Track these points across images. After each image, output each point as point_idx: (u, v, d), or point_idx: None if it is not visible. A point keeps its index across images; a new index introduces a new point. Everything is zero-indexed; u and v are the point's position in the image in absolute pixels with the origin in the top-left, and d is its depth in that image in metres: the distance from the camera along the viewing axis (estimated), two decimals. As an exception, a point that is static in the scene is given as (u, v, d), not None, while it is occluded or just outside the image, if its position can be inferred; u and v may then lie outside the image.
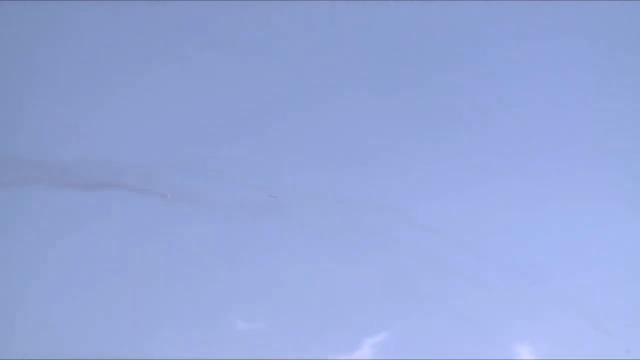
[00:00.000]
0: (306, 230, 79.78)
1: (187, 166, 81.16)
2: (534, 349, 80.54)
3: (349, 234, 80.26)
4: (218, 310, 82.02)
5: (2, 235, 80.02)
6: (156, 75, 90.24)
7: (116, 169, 78.19)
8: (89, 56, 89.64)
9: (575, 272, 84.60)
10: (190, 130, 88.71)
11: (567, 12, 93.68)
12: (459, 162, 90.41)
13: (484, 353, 79.04)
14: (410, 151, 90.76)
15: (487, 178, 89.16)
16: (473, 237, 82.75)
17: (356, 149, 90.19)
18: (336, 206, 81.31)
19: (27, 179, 75.57)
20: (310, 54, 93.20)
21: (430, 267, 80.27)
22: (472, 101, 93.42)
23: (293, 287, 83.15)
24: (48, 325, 78.49)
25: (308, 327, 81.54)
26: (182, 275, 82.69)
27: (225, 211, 79.95)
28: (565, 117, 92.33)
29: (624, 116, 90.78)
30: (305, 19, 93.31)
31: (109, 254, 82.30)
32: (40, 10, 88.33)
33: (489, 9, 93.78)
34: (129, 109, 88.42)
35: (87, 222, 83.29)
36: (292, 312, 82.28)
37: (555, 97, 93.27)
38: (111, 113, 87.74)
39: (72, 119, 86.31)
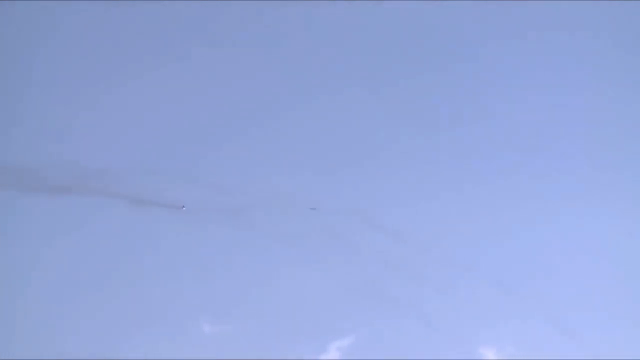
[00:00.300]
0: (274, 235, 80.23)
1: (157, 170, 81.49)
2: (499, 351, 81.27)
3: (316, 238, 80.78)
4: (185, 313, 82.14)
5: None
6: (133, 79, 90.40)
7: (86, 172, 78.38)
8: (62, 57, 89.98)
9: (542, 276, 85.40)
10: (163, 135, 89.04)
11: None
12: (427, 168, 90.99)
13: (450, 355, 79.74)
14: (379, 157, 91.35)
15: (454, 185, 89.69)
16: (439, 242, 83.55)
17: (324, 154, 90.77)
18: (304, 211, 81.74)
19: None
20: (286, 61, 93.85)
21: (397, 271, 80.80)
22: (447, 106, 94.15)
23: (260, 291, 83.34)
24: (17, 326, 78.68)
25: (275, 331, 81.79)
26: (149, 279, 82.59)
27: (193, 216, 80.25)
28: (538, 122, 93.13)
29: (609, 121, 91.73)
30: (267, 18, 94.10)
31: (79, 258, 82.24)
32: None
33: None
34: (102, 112, 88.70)
35: (55, 227, 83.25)
36: (259, 316, 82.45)
37: (531, 107, 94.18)
38: (84, 116, 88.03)
39: (42, 121, 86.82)
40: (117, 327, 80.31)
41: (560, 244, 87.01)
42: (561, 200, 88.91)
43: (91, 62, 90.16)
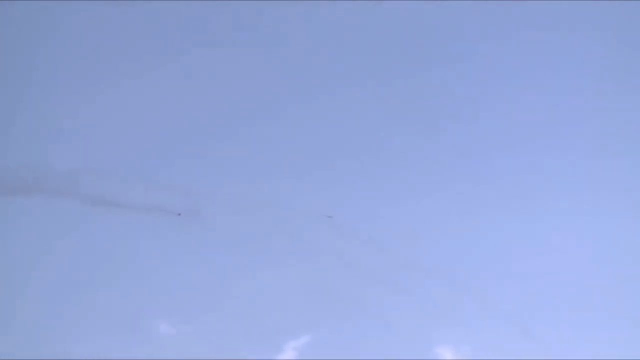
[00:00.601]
0: (230, 236, 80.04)
1: (112, 171, 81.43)
2: (455, 351, 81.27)
3: (273, 239, 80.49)
4: (141, 314, 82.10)
5: None
6: (88, 80, 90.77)
7: (35, 173, 78.26)
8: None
9: (500, 277, 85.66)
10: (117, 135, 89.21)
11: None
12: (387, 171, 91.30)
13: (406, 355, 79.53)
14: (338, 159, 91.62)
15: (413, 187, 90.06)
16: (397, 244, 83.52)
17: (283, 155, 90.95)
18: (261, 212, 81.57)
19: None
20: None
21: (354, 272, 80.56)
22: (414, 109, 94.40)
23: (216, 291, 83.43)
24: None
25: (232, 330, 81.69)
26: (106, 280, 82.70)
27: (149, 217, 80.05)
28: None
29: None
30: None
31: (29, 258, 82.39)
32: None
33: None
34: (55, 113, 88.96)
35: (4, 227, 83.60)
36: (216, 316, 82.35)
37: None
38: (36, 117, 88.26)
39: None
40: (73, 328, 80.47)
41: (518, 245, 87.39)
42: (519, 203, 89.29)
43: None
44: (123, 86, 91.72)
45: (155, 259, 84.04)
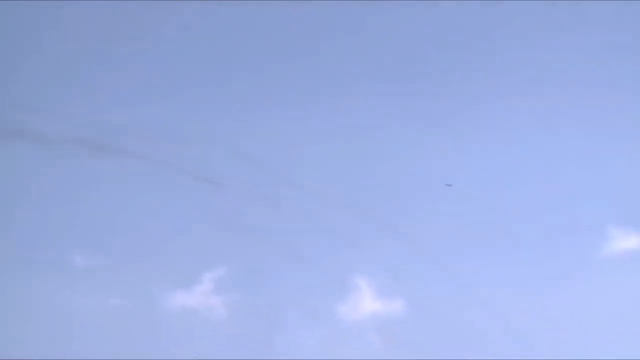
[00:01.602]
0: (144, 170, 79.09)
1: (22, 102, 79.83)
2: (370, 280, 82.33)
3: (185, 170, 79.95)
4: (56, 247, 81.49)
5: None
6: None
7: None
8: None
9: (412, 208, 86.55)
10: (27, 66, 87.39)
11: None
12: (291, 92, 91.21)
13: (320, 284, 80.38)
14: (243, 85, 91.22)
15: (327, 117, 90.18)
16: (310, 175, 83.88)
17: (185, 80, 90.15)
18: (174, 145, 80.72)
19: None
20: None
21: (269, 205, 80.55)
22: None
23: (130, 223, 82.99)
24: None
25: (147, 263, 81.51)
26: (18, 212, 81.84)
27: (61, 148, 78.74)
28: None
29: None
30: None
31: None
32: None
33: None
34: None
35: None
36: (130, 248, 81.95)
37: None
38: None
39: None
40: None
41: (441, 183, 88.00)
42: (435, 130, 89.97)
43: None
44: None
45: (68, 192, 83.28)
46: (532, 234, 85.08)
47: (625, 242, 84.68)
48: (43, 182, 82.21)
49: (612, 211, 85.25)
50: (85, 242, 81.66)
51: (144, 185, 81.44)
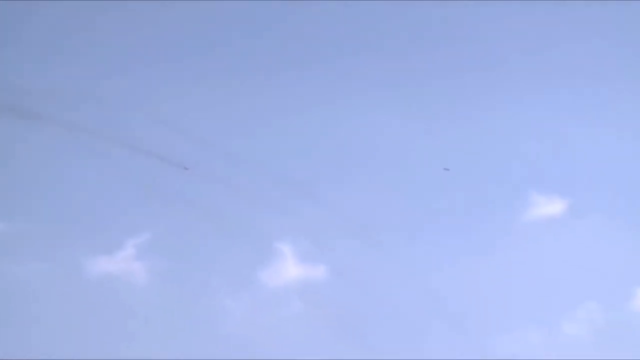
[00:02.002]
0: (59, 131, 77.92)
1: None
2: (294, 246, 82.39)
3: (106, 135, 78.88)
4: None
5: None
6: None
7: None
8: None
9: (335, 175, 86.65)
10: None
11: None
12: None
13: (244, 250, 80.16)
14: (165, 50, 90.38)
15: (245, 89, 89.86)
16: (230, 140, 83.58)
17: (106, 45, 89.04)
18: (88, 107, 79.67)
19: None
20: None
21: (190, 171, 79.99)
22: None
23: (51, 188, 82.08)
24: None
25: (69, 229, 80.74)
26: None
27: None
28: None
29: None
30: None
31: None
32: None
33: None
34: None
35: None
36: (52, 214, 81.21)
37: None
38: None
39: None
40: None
41: (352, 145, 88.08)
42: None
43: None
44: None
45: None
46: (454, 201, 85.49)
47: (547, 208, 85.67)
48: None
49: (534, 178, 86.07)
50: (6, 206, 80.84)
51: (65, 150, 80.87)
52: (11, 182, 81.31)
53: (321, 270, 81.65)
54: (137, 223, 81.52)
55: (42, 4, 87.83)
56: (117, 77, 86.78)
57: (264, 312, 79.63)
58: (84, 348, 74.13)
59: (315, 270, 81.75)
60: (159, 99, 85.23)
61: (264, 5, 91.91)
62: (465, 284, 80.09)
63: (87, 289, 79.12)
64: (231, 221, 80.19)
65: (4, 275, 78.04)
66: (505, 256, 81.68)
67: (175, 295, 79.24)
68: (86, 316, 76.46)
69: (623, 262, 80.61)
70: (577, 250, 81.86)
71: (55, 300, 77.47)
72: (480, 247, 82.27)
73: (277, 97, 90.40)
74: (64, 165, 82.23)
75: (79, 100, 79.06)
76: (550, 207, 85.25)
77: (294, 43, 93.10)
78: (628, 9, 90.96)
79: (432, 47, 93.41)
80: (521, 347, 76.93)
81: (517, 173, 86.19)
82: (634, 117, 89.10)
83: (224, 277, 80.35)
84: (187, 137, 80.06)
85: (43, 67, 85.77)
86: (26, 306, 76.35)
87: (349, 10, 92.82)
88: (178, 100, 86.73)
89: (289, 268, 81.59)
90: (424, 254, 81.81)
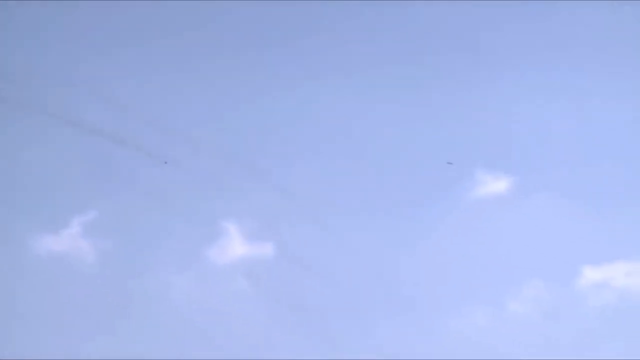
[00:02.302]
0: (2, 108, 77.54)
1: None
2: (240, 224, 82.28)
3: (50, 112, 78.24)
4: None
5: None
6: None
7: None
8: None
9: (280, 153, 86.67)
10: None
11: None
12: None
13: (190, 229, 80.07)
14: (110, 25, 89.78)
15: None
16: (177, 119, 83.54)
17: (49, 20, 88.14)
18: (32, 84, 78.94)
19: None
20: None
21: (136, 149, 79.49)
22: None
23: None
24: None
25: (13, 207, 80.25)
26: None
27: None
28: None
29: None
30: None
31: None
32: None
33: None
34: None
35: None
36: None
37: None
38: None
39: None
40: None
41: (301, 122, 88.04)
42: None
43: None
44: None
45: None
46: (402, 181, 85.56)
47: (493, 186, 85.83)
48: None
49: (481, 155, 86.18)
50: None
51: (9, 127, 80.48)
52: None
53: (268, 248, 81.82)
54: (83, 201, 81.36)
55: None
56: (64, 52, 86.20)
57: (210, 289, 79.79)
58: (29, 326, 74.28)
59: (262, 248, 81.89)
60: (105, 76, 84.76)
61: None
62: (412, 263, 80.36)
63: (32, 267, 79.12)
64: (178, 200, 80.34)
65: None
66: (452, 235, 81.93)
67: (122, 273, 79.20)
68: (31, 295, 76.37)
69: (569, 240, 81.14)
70: (523, 229, 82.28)
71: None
72: (426, 226, 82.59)
73: (227, 77, 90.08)
74: (8, 142, 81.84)
75: (22, 76, 78.36)
76: (496, 185, 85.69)
77: (257, 23, 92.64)
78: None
79: (386, 31, 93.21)
80: (468, 326, 77.42)
81: (463, 151, 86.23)
82: (580, 94, 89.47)
83: (171, 255, 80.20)
84: (133, 115, 79.80)
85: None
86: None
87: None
88: (127, 78, 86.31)
89: (236, 246, 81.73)
90: (371, 234, 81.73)
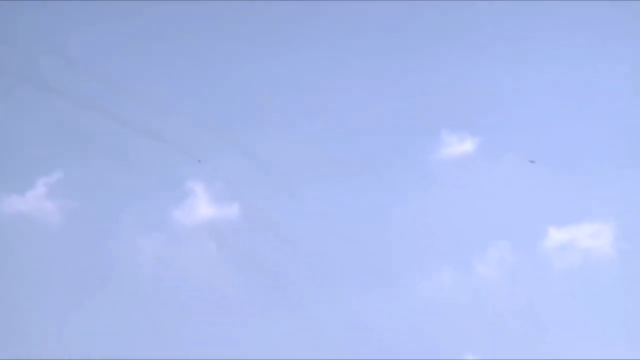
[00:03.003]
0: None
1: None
2: (207, 186, 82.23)
3: (14, 74, 77.93)
4: None
5: None
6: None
7: None
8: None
9: (245, 116, 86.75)
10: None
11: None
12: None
13: (156, 190, 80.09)
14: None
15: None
16: (144, 82, 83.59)
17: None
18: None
19: None
20: None
21: (103, 111, 79.39)
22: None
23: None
24: None
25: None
26: None
27: None
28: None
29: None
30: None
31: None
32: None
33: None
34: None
35: None
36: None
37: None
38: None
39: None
40: None
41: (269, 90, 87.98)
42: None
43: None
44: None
45: None
46: (368, 142, 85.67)
47: (458, 146, 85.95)
48: None
49: (446, 117, 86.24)
50: None
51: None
52: None
53: (234, 210, 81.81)
54: (49, 163, 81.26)
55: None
56: (26, 15, 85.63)
57: (176, 251, 79.78)
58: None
59: (228, 210, 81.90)
60: (74, 41, 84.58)
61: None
62: (379, 226, 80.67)
63: (-2, 227, 78.99)
64: (144, 162, 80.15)
65: None
66: (418, 196, 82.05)
67: (88, 235, 79.01)
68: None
69: (534, 201, 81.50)
70: (489, 190, 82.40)
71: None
72: (392, 188, 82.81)
73: (199, 45, 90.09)
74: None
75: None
76: (461, 145, 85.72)
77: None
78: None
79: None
80: (436, 290, 77.58)
81: (428, 112, 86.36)
82: (545, 55, 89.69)
83: (137, 216, 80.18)
84: (101, 79, 79.64)
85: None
86: None
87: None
88: (95, 41, 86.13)
89: (202, 208, 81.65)
90: (337, 197, 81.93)
